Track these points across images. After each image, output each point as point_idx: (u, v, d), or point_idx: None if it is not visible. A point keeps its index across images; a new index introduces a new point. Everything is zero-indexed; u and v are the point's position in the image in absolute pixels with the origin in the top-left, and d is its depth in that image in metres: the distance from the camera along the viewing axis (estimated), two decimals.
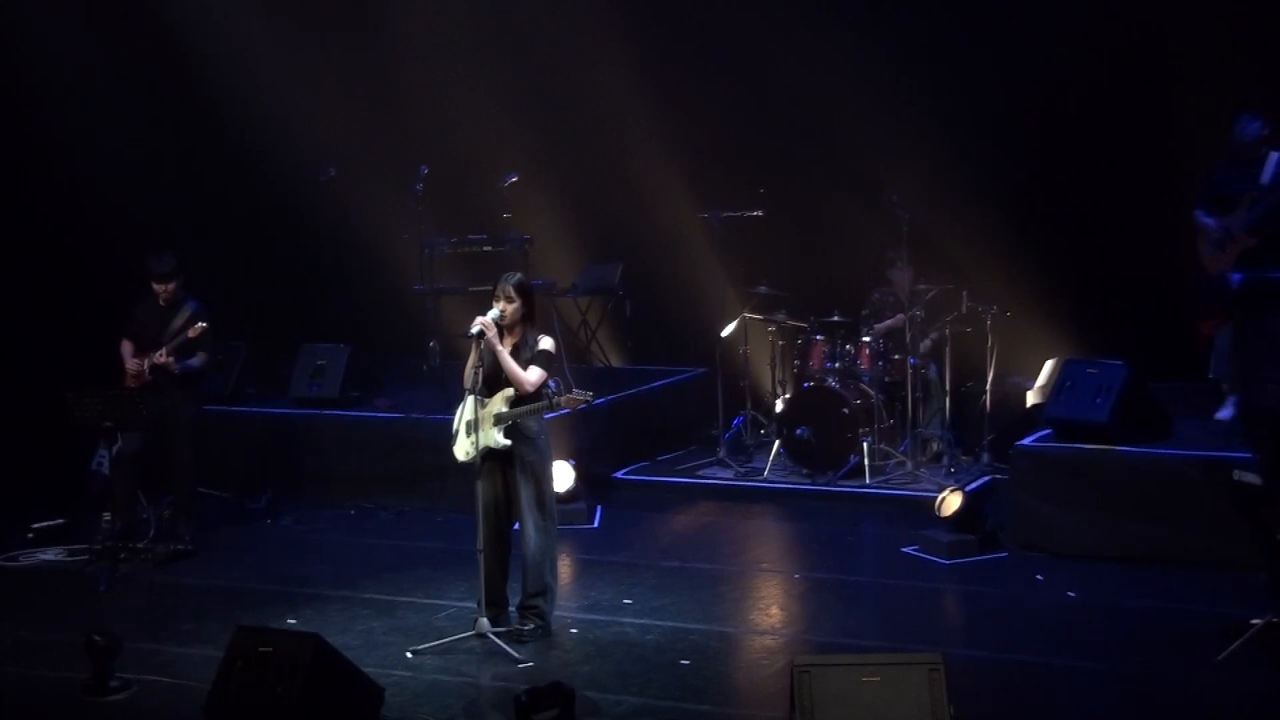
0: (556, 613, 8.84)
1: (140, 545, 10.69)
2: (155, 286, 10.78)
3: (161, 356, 10.58)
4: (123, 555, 10.39)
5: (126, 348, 10.79)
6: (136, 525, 10.78)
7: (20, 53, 12.99)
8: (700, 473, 12.51)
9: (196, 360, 10.79)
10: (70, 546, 10.88)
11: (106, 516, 10.52)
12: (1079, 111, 12.30)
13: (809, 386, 12.05)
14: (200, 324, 10.65)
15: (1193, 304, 10.78)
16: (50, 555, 10.85)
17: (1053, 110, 12.33)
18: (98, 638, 7.99)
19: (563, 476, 10.71)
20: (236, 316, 12.38)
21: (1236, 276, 10.28)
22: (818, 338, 12.27)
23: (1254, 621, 8.02)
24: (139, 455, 10.67)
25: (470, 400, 8.57)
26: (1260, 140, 10.30)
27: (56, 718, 7.71)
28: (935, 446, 12.17)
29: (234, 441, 12.27)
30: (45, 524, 11.18)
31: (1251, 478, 8.18)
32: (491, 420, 8.54)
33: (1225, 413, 10.55)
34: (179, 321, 10.72)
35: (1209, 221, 10.40)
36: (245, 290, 12.96)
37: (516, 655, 8.32)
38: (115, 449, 10.57)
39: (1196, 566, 9.40)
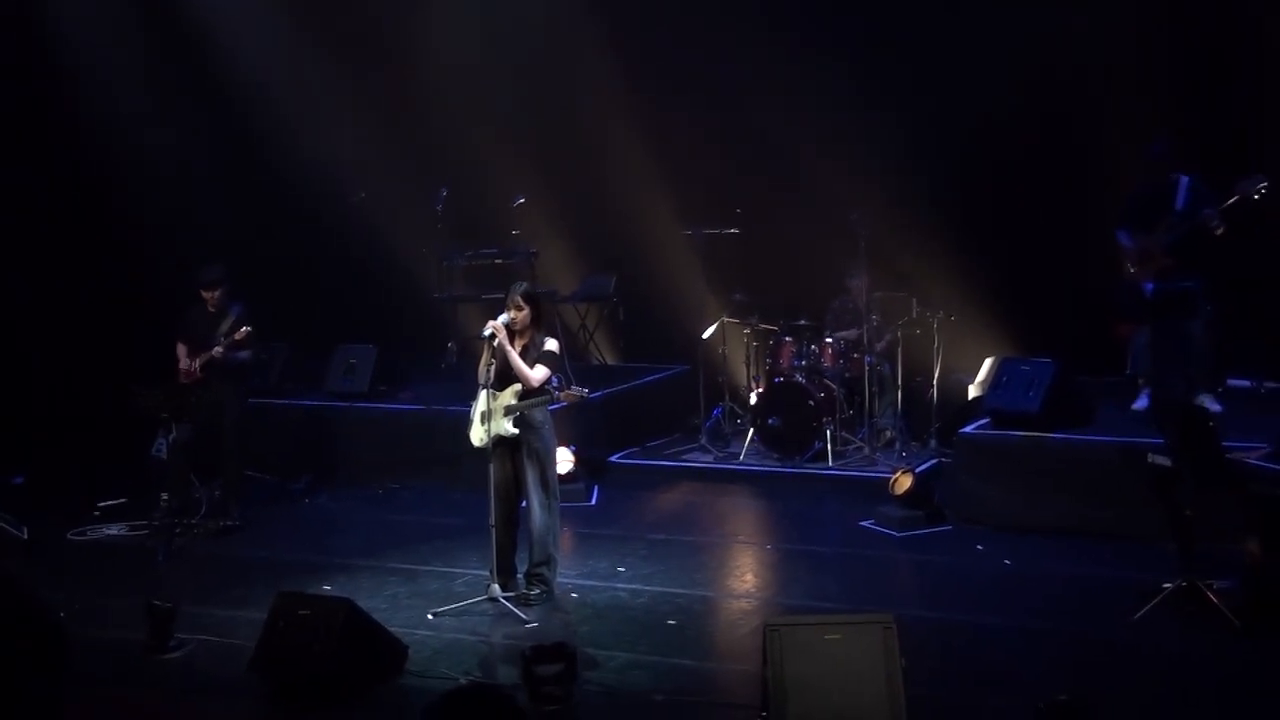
0: (559, 579, 8.84)
1: (193, 522, 10.69)
2: (203, 294, 10.82)
3: (217, 352, 10.60)
4: (178, 530, 10.41)
5: (180, 349, 10.81)
6: (190, 504, 10.78)
7: (94, 92, 12.98)
8: (684, 457, 12.50)
9: (244, 355, 10.83)
10: (132, 523, 10.86)
11: (164, 496, 10.48)
12: (1014, 141, 12.28)
13: (779, 382, 12.05)
14: (245, 328, 10.68)
15: (1112, 309, 10.78)
16: (114, 530, 10.84)
17: (992, 140, 12.31)
18: (157, 602, 8.01)
19: (564, 460, 10.69)
20: (279, 321, 12.36)
21: (1150, 286, 10.30)
22: (787, 339, 12.27)
23: (1165, 585, 8.03)
24: (192, 443, 10.67)
25: (484, 394, 8.58)
26: (1162, 161, 10.32)
27: (120, 673, 7.69)
28: (889, 434, 12.16)
29: (276, 430, 12.24)
30: (110, 503, 11.18)
31: (1163, 460, 8.18)
32: (502, 411, 8.55)
33: (1140, 403, 10.56)
34: (225, 324, 10.73)
35: (1128, 240, 10.41)
36: (286, 297, 12.93)
37: (524, 617, 8.34)
38: (172, 437, 10.58)
39: (1116, 538, 9.40)
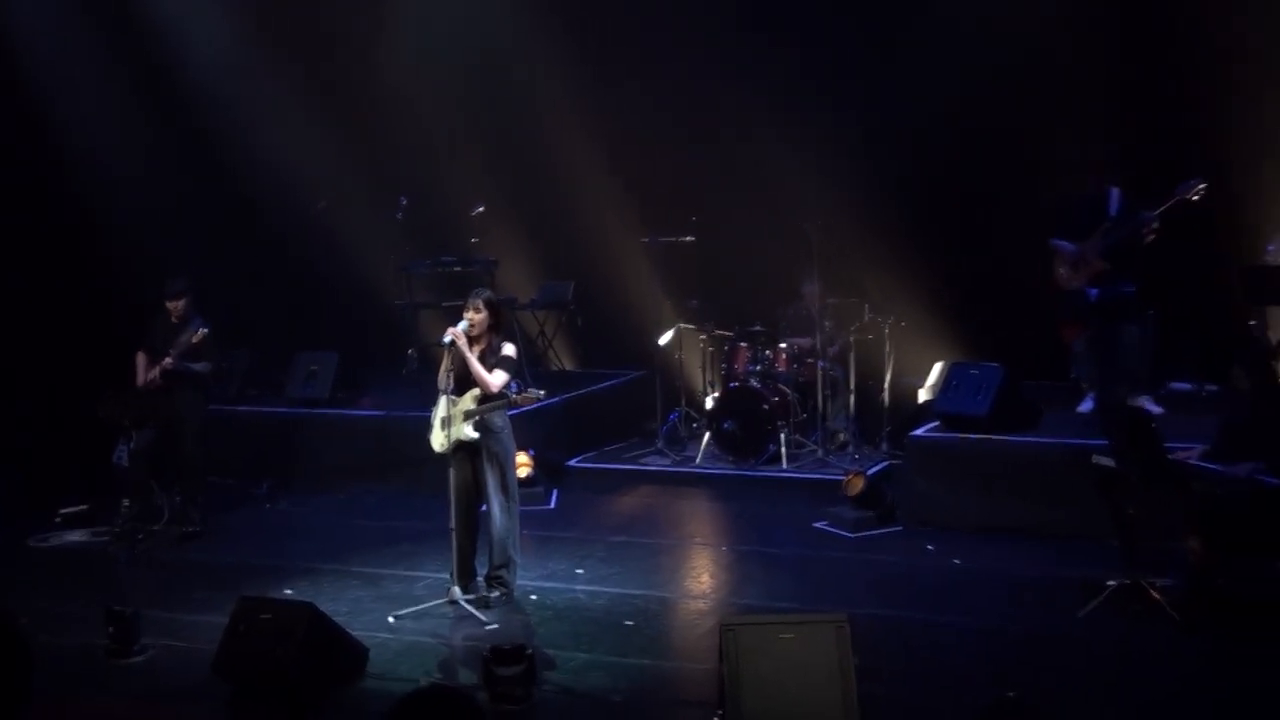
0: (519, 582, 8.82)
1: (155, 528, 10.59)
2: (167, 304, 10.76)
3: (169, 361, 10.54)
4: (140, 536, 10.33)
5: (141, 358, 10.75)
6: (152, 510, 10.69)
7: (61, 105, 12.89)
8: (642, 460, 12.48)
9: (202, 364, 10.76)
10: (94, 529, 10.79)
11: (125, 502, 10.45)
12: (963, 153, 12.36)
13: (734, 386, 12.07)
14: (202, 330, 10.61)
15: (1057, 315, 10.85)
16: (76, 537, 10.76)
17: (941, 152, 12.38)
18: (119, 608, 7.95)
19: (523, 464, 10.68)
20: (240, 329, 12.30)
21: (1093, 292, 10.39)
22: (742, 344, 12.30)
23: (1109, 583, 8.11)
24: (153, 449, 10.63)
25: (444, 399, 8.56)
26: (1094, 173, 10.42)
27: (84, 678, 7.63)
28: (841, 437, 12.20)
29: (238, 437, 12.18)
30: (71, 509, 11.06)
31: (1106, 461, 8.26)
32: (462, 416, 8.53)
33: (1085, 406, 10.64)
34: (186, 335, 10.67)
35: (1068, 246, 10.49)
36: (248, 306, 12.86)
37: (484, 619, 8.32)
38: (133, 444, 10.56)
39: (1061, 537, 9.46)
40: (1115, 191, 10.37)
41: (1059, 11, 11.78)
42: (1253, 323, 10.80)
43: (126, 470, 10.65)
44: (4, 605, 5.84)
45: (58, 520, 10.97)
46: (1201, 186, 9.86)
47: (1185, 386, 11.27)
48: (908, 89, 12.47)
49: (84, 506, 11.07)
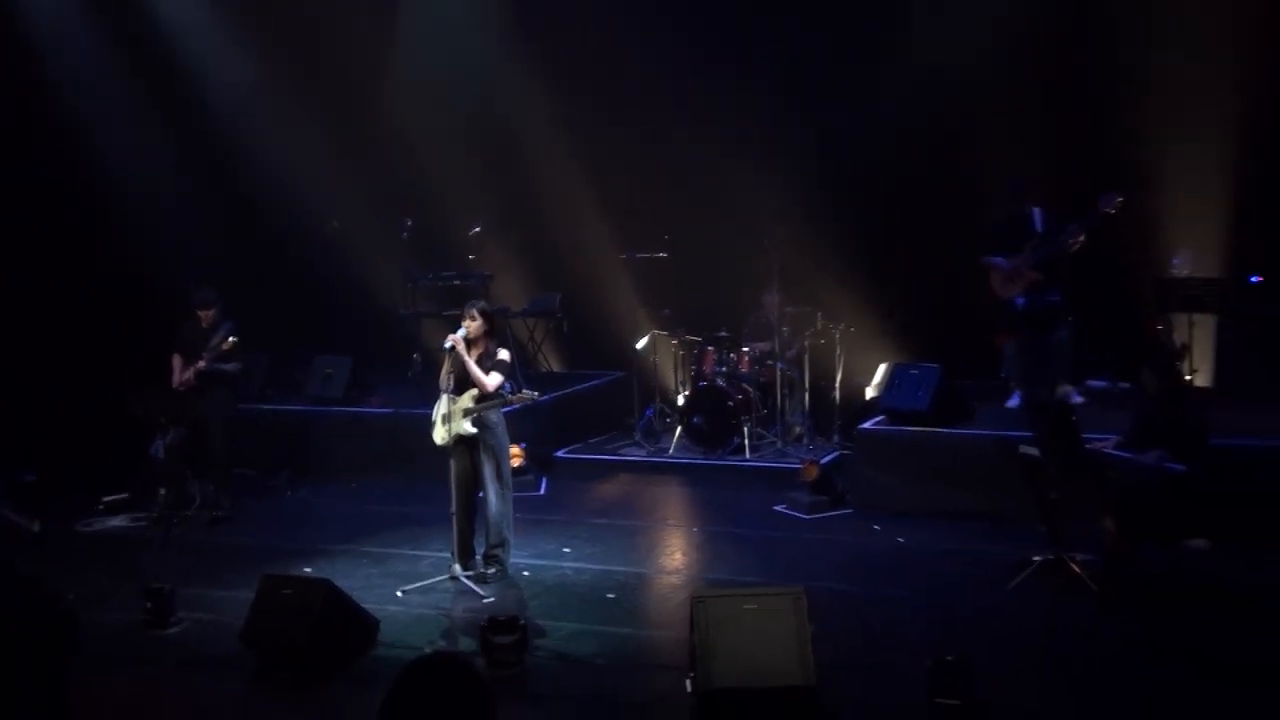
0: (512, 560, 8.81)
1: (188, 514, 10.55)
2: (199, 312, 10.71)
3: (203, 363, 10.52)
4: (175, 521, 10.26)
5: (176, 360, 10.71)
6: (185, 498, 10.65)
7: (100, 127, 12.83)
8: (621, 451, 12.47)
9: (231, 365, 10.73)
10: (133, 515, 10.73)
11: (161, 491, 10.42)
12: (907, 174, 12.39)
13: (703, 386, 12.07)
14: (232, 338, 10.58)
15: (989, 321, 10.88)
16: (117, 522, 10.69)
17: (888, 173, 12.41)
18: (156, 585, 7.92)
19: (516, 456, 10.66)
20: (263, 334, 12.25)
21: (1020, 301, 10.42)
22: (709, 348, 12.29)
23: (1035, 559, 8.17)
24: (186, 443, 10.59)
25: (444, 398, 8.55)
26: (1019, 194, 10.43)
27: (125, 648, 7.60)
28: (798, 430, 12.22)
29: (261, 432, 12.08)
30: (113, 497, 11.01)
31: (1032, 452, 8.27)
32: (461, 413, 8.52)
33: (1012, 402, 10.68)
34: (217, 339, 10.63)
35: (1002, 261, 10.51)
36: (270, 313, 12.79)
37: (482, 593, 8.31)
38: (168, 439, 10.50)
39: (993, 519, 9.49)
40: (1038, 210, 10.40)
41: (994, 47, 11.79)
42: (1160, 328, 10.87)
43: (162, 462, 10.59)
44: (54, 584, 5.80)
45: (101, 507, 10.90)
46: (1119, 200, 9.88)
47: (1101, 384, 11.31)
48: (859, 123, 12.51)
49: (125, 495, 11.01)
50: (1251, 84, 11.02)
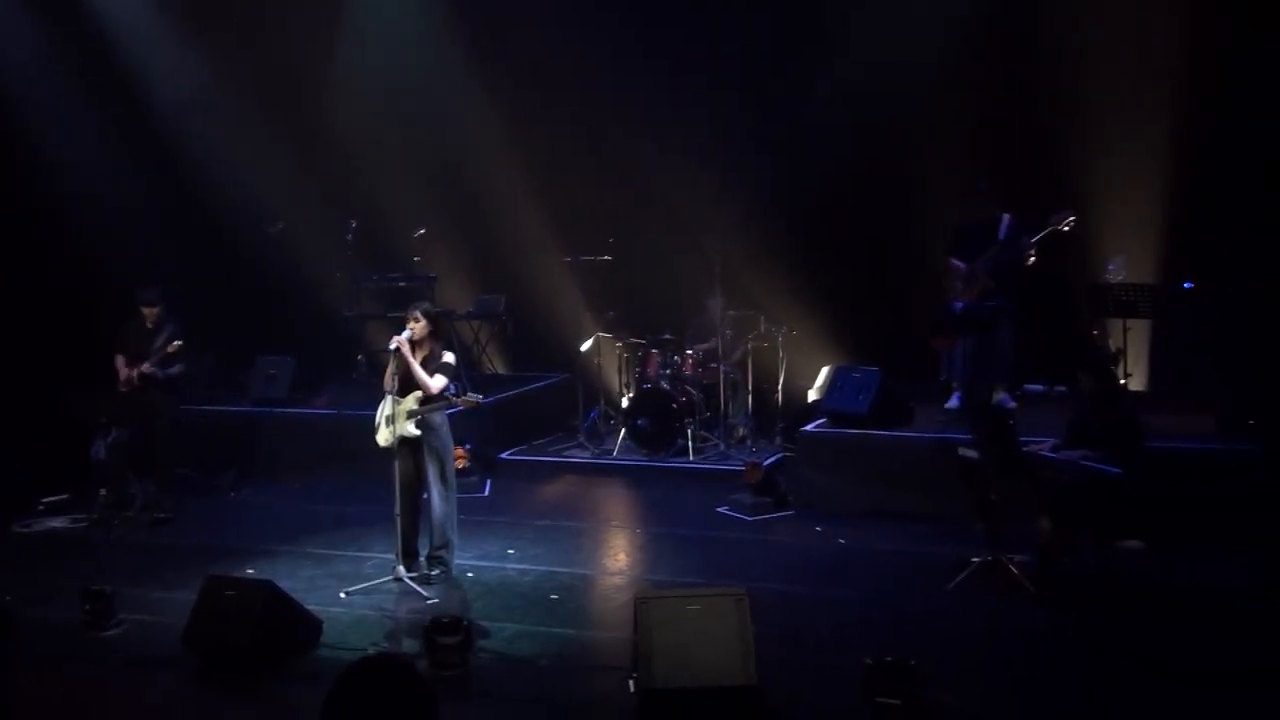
0: (456, 561, 8.78)
1: (129, 514, 10.42)
2: (143, 310, 10.60)
3: (147, 367, 10.41)
4: (116, 522, 10.15)
5: (119, 360, 10.58)
6: (126, 499, 10.51)
7: (42, 136, 12.63)
8: (565, 453, 12.47)
9: (175, 369, 10.63)
10: (73, 516, 10.57)
11: (102, 492, 10.26)
12: (848, 181, 12.46)
13: (647, 388, 12.09)
14: (176, 341, 10.48)
15: (928, 325, 10.96)
16: (57, 523, 10.52)
17: (829, 180, 12.47)
18: (97, 586, 7.81)
19: (460, 457, 10.60)
20: (207, 335, 12.12)
21: (959, 305, 10.49)
22: (653, 351, 12.32)
23: (973, 560, 8.23)
24: (128, 443, 10.46)
25: (389, 399, 8.51)
26: (986, 198, 10.51)
27: (65, 650, 7.48)
28: (741, 432, 12.26)
29: (205, 432, 11.96)
30: (53, 498, 10.84)
31: (971, 453, 8.34)
32: (405, 415, 8.48)
33: (951, 403, 10.75)
34: (161, 339, 10.52)
35: (960, 265, 10.57)
36: (214, 313, 12.66)
37: (426, 594, 8.28)
38: (109, 438, 10.36)
39: (932, 520, 9.55)
40: (1006, 217, 10.43)
41: (936, 53, 11.87)
42: (1095, 333, 11.01)
43: (103, 462, 10.44)
44: None
45: (40, 508, 10.74)
46: (1071, 219, 9.95)
47: (1038, 388, 11.46)
48: (802, 128, 12.61)
49: (64, 495, 10.85)
50: (1185, 94, 11.18)
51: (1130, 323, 10.71)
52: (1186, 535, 8.52)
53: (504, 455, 12.37)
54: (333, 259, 13.49)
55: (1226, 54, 11.12)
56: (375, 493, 9.85)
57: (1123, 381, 10.46)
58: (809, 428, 10.80)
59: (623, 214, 13.33)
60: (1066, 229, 9.98)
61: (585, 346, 12.59)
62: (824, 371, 12.19)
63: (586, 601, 8.41)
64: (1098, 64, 11.46)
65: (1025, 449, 8.23)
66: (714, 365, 12.15)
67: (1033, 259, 10.07)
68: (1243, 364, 10.18)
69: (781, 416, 12.16)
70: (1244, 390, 9.66)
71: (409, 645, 7.43)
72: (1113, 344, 10.81)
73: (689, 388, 12.02)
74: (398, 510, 8.47)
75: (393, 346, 8.50)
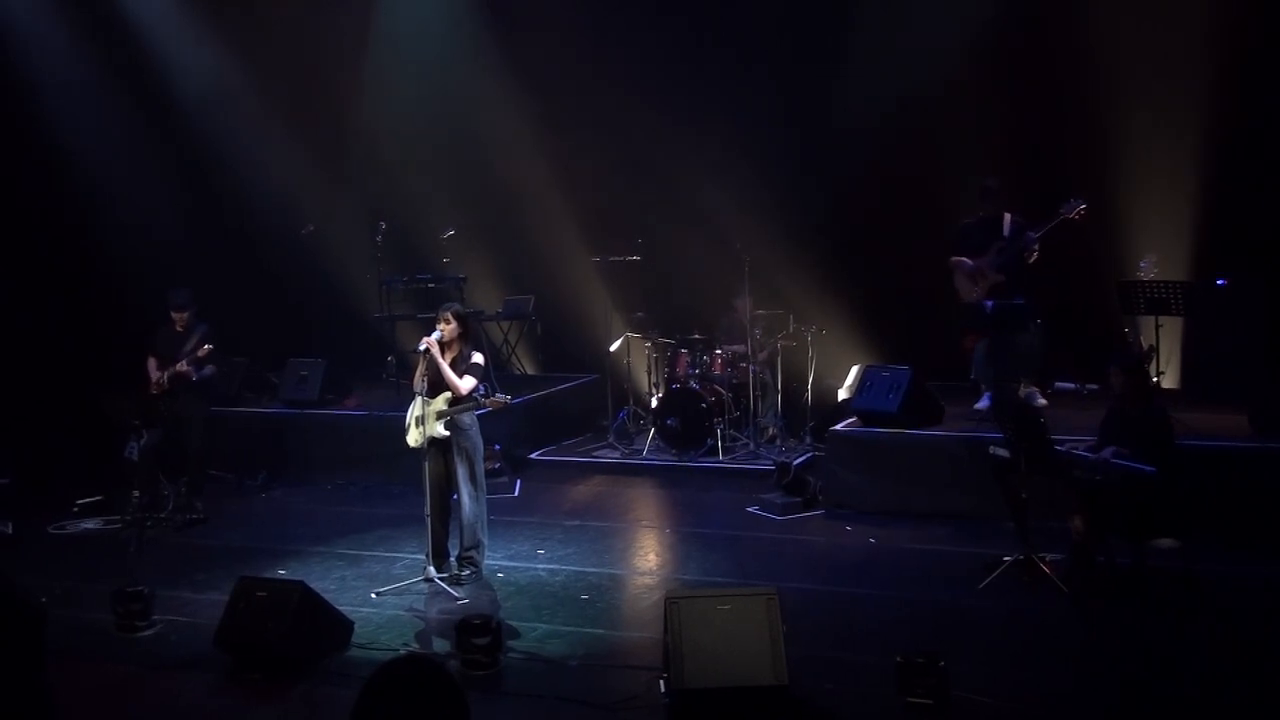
0: (486, 562, 8.79)
1: (162, 515, 10.48)
2: (173, 314, 10.67)
3: (181, 367, 10.47)
4: (149, 523, 10.21)
5: (151, 363, 10.65)
6: (159, 500, 10.57)
7: (72, 139, 12.73)
8: (595, 453, 12.47)
9: (208, 370, 10.69)
10: (107, 517, 10.64)
11: (135, 493, 10.33)
12: (878, 182, 12.42)
13: (676, 388, 12.08)
14: (207, 345, 10.54)
15: (959, 324, 10.92)
16: (91, 524, 10.59)
17: (859, 180, 12.45)
18: (130, 587, 7.85)
19: (490, 457, 10.63)
20: (238, 337, 12.19)
21: (989, 304, 10.44)
22: (682, 351, 12.31)
23: (1005, 559, 8.18)
24: (160, 445, 10.51)
25: (419, 400, 8.51)
26: (992, 197, 10.47)
27: (98, 650, 7.52)
28: (770, 431, 12.23)
29: (236, 434, 12.05)
30: (87, 500, 10.89)
31: (1001, 452, 8.29)
32: (435, 416, 8.49)
33: (982, 403, 10.70)
34: (191, 343, 10.58)
35: (966, 262, 10.56)
36: (246, 316, 12.73)
37: (456, 595, 8.28)
38: (143, 441, 10.42)
39: (963, 518, 9.53)
40: (1009, 216, 10.45)
41: (965, 51, 11.84)
42: (1127, 330, 10.92)
43: (136, 464, 10.53)
44: (26, 585, 5.74)
45: (75, 510, 10.80)
46: (1082, 207, 9.95)
47: (1069, 386, 11.38)
48: (832, 127, 12.55)
49: (98, 497, 10.92)
50: (1220, 89, 11.10)
51: (1163, 320, 10.59)
52: (1220, 534, 8.44)
53: (534, 455, 12.38)
54: (362, 261, 13.54)
55: (1258, 50, 11.02)
56: (405, 494, 9.90)
57: (1155, 379, 10.37)
58: (838, 427, 10.75)
59: (652, 213, 13.31)
60: (1077, 218, 9.93)
61: (614, 347, 12.59)
62: (853, 370, 12.16)
63: (617, 601, 8.38)
64: (1133, 62, 11.38)
65: (1058, 448, 8.16)
66: (743, 365, 12.12)
67: (1035, 256, 10.04)
68: (1276, 361, 10.08)
69: (811, 415, 12.13)
70: (1277, 388, 9.56)
71: (440, 645, 7.45)
72: (1145, 341, 10.71)
73: (718, 387, 12.00)
74: (428, 511, 8.48)
75: (422, 348, 8.51)
